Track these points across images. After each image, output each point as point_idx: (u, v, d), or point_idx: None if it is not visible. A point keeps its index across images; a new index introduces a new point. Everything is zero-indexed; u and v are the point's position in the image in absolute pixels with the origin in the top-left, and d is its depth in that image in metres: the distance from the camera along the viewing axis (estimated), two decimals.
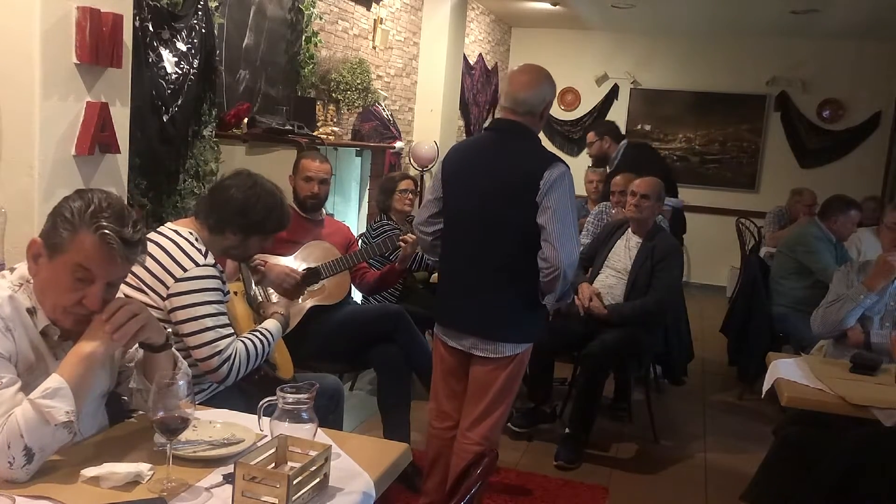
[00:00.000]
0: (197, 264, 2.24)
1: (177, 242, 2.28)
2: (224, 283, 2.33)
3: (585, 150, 5.84)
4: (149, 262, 2.19)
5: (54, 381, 1.56)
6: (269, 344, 2.40)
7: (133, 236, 1.64)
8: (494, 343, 2.69)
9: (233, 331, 2.30)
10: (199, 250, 2.28)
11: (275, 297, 2.93)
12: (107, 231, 1.60)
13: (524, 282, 2.65)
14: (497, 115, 2.77)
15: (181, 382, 1.56)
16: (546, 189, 2.54)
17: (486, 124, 7.68)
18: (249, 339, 2.35)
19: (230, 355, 2.24)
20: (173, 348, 1.82)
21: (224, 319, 2.27)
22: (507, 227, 2.63)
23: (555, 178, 2.55)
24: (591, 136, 5.47)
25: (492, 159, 2.68)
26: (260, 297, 2.76)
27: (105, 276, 1.64)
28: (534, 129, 2.71)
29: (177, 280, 2.21)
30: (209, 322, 2.22)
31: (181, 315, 2.21)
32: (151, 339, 1.74)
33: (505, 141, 2.69)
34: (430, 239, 2.85)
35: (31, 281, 1.68)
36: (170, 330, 1.83)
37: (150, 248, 2.18)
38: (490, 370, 2.71)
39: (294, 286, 3.12)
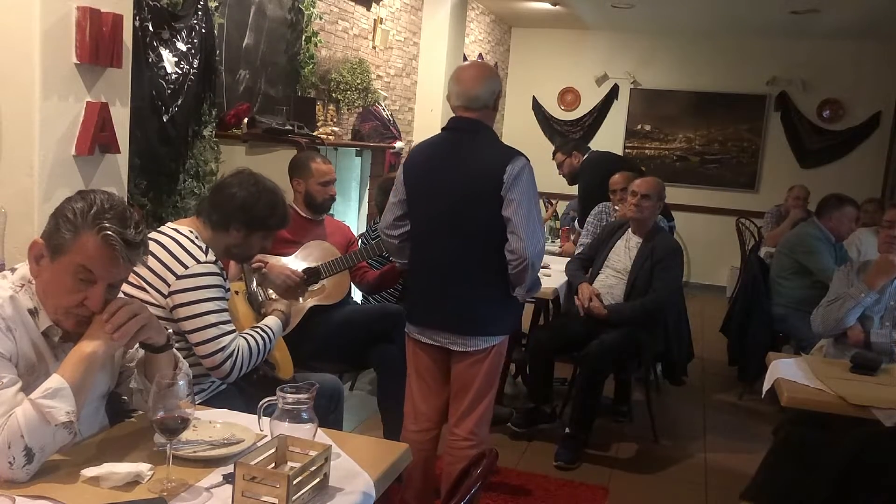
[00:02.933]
0: (198, 261, 2.25)
1: (177, 240, 2.28)
2: (225, 279, 2.33)
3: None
4: (150, 261, 2.19)
5: (55, 381, 1.57)
6: (270, 340, 2.41)
7: (135, 237, 1.64)
8: (470, 337, 2.72)
9: (234, 327, 2.31)
10: (200, 247, 2.29)
11: (274, 297, 2.93)
12: (109, 232, 1.60)
13: (494, 277, 2.68)
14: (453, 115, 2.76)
15: (181, 382, 1.56)
16: (510, 182, 2.58)
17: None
18: (251, 335, 2.36)
19: (233, 351, 2.25)
20: (174, 348, 1.82)
21: (226, 316, 2.28)
22: (474, 225, 2.66)
23: (517, 171, 2.59)
24: (558, 156, 5.50)
25: (454, 159, 2.70)
26: (261, 297, 2.76)
27: (107, 278, 1.64)
28: (489, 124, 2.74)
29: (178, 277, 2.22)
30: (212, 318, 2.23)
31: (183, 312, 2.22)
32: (152, 339, 1.74)
33: (464, 140, 2.71)
34: (396, 242, 2.86)
35: (33, 282, 1.68)
36: (171, 330, 1.83)
37: (151, 246, 2.18)
38: (470, 364, 2.74)
39: (294, 286, 3.12)
